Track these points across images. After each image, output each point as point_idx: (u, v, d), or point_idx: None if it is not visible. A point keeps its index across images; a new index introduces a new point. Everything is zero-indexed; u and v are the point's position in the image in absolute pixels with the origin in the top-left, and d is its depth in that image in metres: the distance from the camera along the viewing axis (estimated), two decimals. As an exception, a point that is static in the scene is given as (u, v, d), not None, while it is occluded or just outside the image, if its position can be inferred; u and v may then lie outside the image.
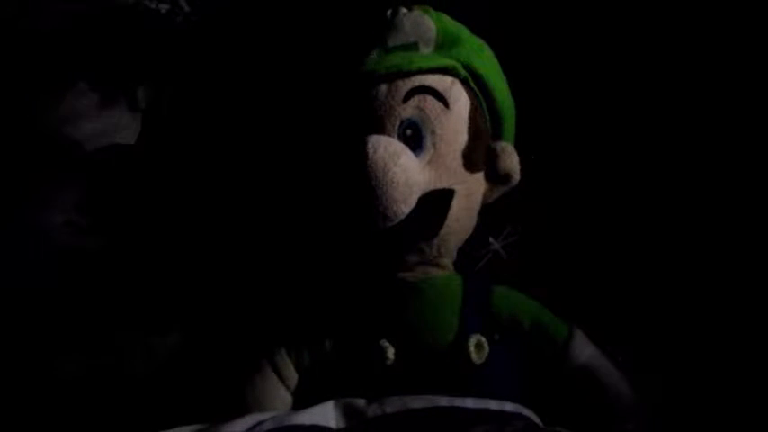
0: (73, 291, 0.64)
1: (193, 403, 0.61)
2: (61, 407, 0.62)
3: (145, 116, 0.70)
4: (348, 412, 0.52)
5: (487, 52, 0.61)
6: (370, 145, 0.53)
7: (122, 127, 0.68)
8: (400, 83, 0.56)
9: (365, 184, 0.53)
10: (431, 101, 0.56)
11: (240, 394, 0.58)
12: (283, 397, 0.58)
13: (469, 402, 0.52)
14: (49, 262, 0.64)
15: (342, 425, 0.51)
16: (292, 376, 0.59)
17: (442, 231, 0.57)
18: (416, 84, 0.56)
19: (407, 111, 0.56)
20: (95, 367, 0.64)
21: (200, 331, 0.68)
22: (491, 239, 0.62)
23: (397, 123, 0.56)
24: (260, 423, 0.50)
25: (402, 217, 0.54)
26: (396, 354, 0.55)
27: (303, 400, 0.57)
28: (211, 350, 0.67)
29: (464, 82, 0.58)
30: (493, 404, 0.52)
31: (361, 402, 0.53)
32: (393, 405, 0.52)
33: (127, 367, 0.64)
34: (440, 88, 0.56)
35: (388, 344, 0.55)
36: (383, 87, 0.56)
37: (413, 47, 0.58)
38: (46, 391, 0.62)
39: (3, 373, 0.62)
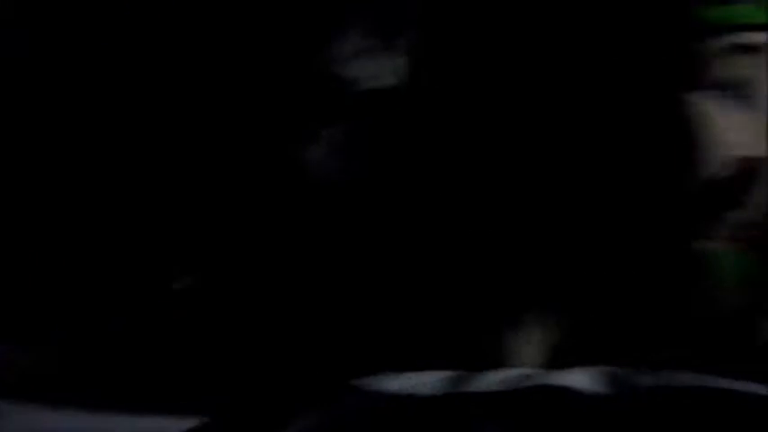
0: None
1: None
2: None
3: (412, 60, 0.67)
4: (615, 379, 0.50)
5: None
6: (691, 103, 0.52)
7: (391, 70, 0.66)
8: (728, 38, 0.54)
9: (684, 145, 0.50)
10: (759, 57, 0.53)
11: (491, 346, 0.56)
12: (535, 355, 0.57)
13: (751, 387, 0.49)
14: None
15: (609, 391, 0.49)
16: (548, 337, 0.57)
17: (754, 199, 0.54)
18: (746, 40, 0.54)
19: (734, 68, 0.53)
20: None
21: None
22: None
23: (723, 80, 0.53)
24: (516, 378, 0.49)
25: (719, 180, 0.52)
26: (673, 325, 0.53)
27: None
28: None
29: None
30: None
31: (627, 371, 0.51)
32: (667, 379, 0.49)
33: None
34: None
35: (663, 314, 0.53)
36: (710, 42, 0.54)
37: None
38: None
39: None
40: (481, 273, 0.63)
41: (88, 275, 0.65)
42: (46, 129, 0.66)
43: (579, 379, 0.50)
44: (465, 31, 0.66)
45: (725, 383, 0.50)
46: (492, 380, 0.49)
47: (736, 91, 0.53)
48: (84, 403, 0.57)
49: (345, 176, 0.63)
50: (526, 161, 0.60)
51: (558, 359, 0.55)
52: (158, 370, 0.61)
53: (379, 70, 0.65)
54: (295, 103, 0.65)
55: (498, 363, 0.53)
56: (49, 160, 0.66)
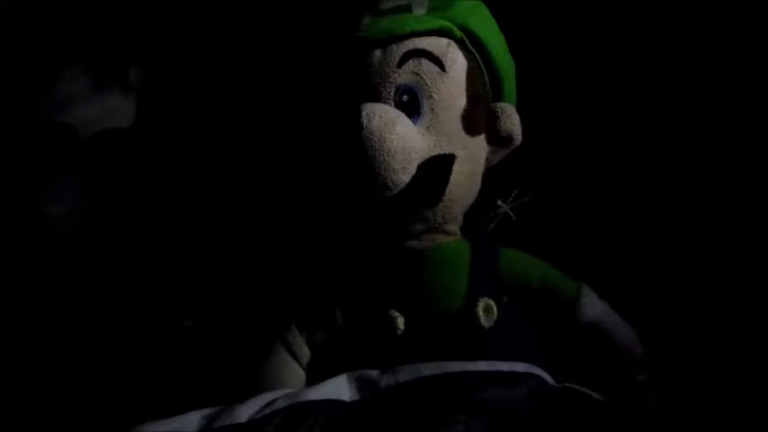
0: (75, 281, 0.64)
1: (208, 385, 0.61)
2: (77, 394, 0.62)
3: (139, 98, 0.69)
4: (361, 384, 0.52)
5: (483, 11, 0.59)
6: (364, 114, 0.52)
7: (117, 111, 0.67)
8: (394, 47, 0.54)
9: (362, 155, 0.52)
10: (426, 64, 0.55)
11: (253, 374, 0.58)
12: (297, 374, 0.58)
13: (481, 366, 0.52)
14: (50, 253, 0.63)
15: (355, 397, 0.51)
16: (304, 352, 0.58)
17: (445, 197, 0.56)
18: (410, 47, 0.55)
19: (403, 76, 0.54)
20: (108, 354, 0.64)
21: (211, 314, 0.68)
22: (499, 202, 0.60)
23: (393, 89, 0.54)
24: (272, 402, 0.50)
25: (402, 186, 0.53)
26: (406, 323, 0.55)
27: (317, 375, 0.56)
28: (223, 332, 0.67)
29: (460, 43, 0.56)
30: (503, 366, 0.52)
31: (373, 373, 0.53)
32: (405, 374, 0.52)
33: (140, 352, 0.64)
34: (435, 51, 0.55)
35: (397, 314, 0.55)
36: (377, 53, 0.55)
37: (406, 9, 0.56)
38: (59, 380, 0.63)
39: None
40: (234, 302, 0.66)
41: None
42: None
43: (332, 390, 0.52)
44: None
45: (469, 366, 0.52)
46: (251, 407, 0.50)
47: (411, 98, 0.54)
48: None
49: (83, 230, 0.64)
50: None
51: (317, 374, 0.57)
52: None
53: (106, 111, 0.66)
54: (21, 155, 0.65)
55: (258, 389, 0.54)
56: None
